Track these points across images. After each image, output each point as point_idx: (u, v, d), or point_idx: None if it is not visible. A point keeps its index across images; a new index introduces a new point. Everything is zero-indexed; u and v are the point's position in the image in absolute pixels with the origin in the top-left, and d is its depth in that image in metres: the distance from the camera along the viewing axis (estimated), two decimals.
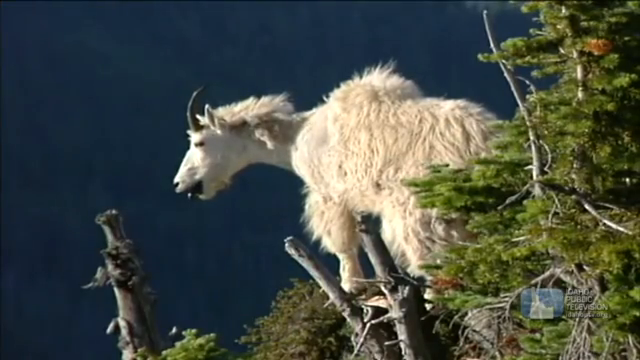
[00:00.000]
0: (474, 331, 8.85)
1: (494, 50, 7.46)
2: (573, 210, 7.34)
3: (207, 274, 66.45)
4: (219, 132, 10.73)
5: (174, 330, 8.75)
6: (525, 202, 7.54)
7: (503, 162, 7.83)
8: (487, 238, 7.73)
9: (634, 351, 7.14)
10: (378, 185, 10.19)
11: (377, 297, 9.69)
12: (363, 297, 9.84)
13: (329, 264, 10.07)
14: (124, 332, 9.52)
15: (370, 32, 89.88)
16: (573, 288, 7.43)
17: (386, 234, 10.02)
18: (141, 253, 9.65)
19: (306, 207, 10.66)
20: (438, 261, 8.74)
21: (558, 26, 7.38)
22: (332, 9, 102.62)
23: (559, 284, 7.50)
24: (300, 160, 10.66)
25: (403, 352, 9.41)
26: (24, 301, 68.62)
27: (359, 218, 9.76)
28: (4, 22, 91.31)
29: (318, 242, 10.51)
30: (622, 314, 7.10)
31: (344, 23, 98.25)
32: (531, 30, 7.48)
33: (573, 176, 7.41)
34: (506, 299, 7.67)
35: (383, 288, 9.50)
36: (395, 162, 10.13)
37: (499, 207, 7.79)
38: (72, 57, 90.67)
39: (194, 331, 7.22)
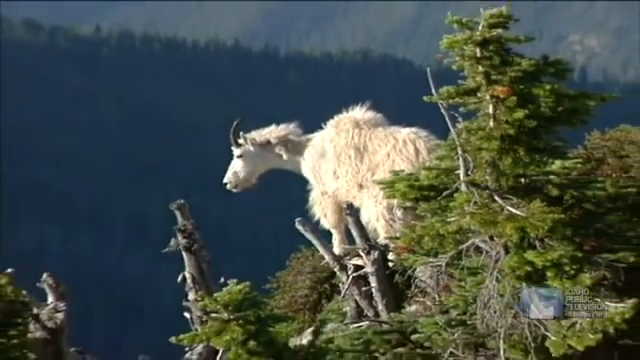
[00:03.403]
0: (421, 280, 8.82)
1: (434, 94, 7.45)
2: (487, 200, 7.31)
3: (244, 244, 66.40)
4: (252, 148, 10.72)
5: (222, 279, 8.72)
6: (455, 195, 7.53)
7: (441, 168, 7.78)
8: (430, 219, 7.69)
9: (526, 293, 7.16)
10: (360, 185, 10.19)
11: (357, 258, 9.68)
12: (348, 258, 9.82)
13: (325, 236, 10.09)
14: (189, 281, 9.49)
15: (352, 83, 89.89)
16: (487, 252, 7.40)
17: (363, 217, 10.00)
18: (200, 229, 9.61)
19: (310, 199, 10.64)
20: (398, 234, 8.73)
21: (477, 78, 7.35)
22: (328, 69, 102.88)
23: (478, 249, 7.50)
24: (306, 167, 10.64)
25: (374, 294, 9.42)
26: (125, 262, 68.77)
27: (345, 206, 9.79)
28: (111, 80, 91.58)
29: (317, 222, 10.48)
30: (519, 269, 7.08)
31: (336, 78, 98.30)
32: (459, 81, 7.47)
33: (487, 178, 7.37)
34: (442, 259, 7.66)
35: (361, 252, 9.51)
36: (373, 170, 10.13)
37: (438, 198, 7.76)
38: (154, 101, 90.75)
39: (235, 280, 7.19)
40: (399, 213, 9.85)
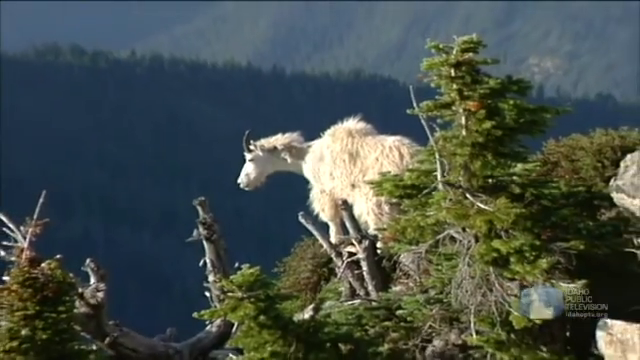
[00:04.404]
0: (405, 265, 8.81)
1: (416, 107, 7.43)
2: (460, 197, 7.28)
3: (256, 235, 66.36)
4: (261, 153, 10.67)
5: (237, 264, 8.70)
6: (433, 193, 7.50)
7: (421, 170, 7.76)
8: (412, 213, 7.69)
9: (493, 275, 7.14)
10: (353, 185, 10.15)
11: (350, 246, 9.66)
12: (343, 246, 9.80)
13: (323, 228, 10.05)
14: (209, 265, 9.46)
15: (347, 98, 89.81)
16: (460, 241, 7.37)
17: (356, 211, 9.96)
18: (218, 221, 9.57)
19: (310, 196, 10.61)
20: (385, 226, 8.71)
21: (451, 94, 7.33)
22: (326, 86, 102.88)
23: (452, 239, 7.47)
24: (307, 170, 10.59)
25: (365, 277, 9.39)
26: (156, 249, 68.79)
27: (340, 202, 9.77)
28: (144, 96, 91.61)
29: (317, 216, 10.44)
30: (487, 255, 7.06)
31: (333, 94, 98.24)
32: (436, 96, 7.46)
33: (460, 178, 7.35)
34: (423, 247, 7.61)
35: (354, 241, 9.49)
36: (364, 172, 10.09)
37: (419, 196, 7.73)
38: (179, 113, 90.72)
39: (248, 265, 7.17)
40: (386, 208, 9.81)
